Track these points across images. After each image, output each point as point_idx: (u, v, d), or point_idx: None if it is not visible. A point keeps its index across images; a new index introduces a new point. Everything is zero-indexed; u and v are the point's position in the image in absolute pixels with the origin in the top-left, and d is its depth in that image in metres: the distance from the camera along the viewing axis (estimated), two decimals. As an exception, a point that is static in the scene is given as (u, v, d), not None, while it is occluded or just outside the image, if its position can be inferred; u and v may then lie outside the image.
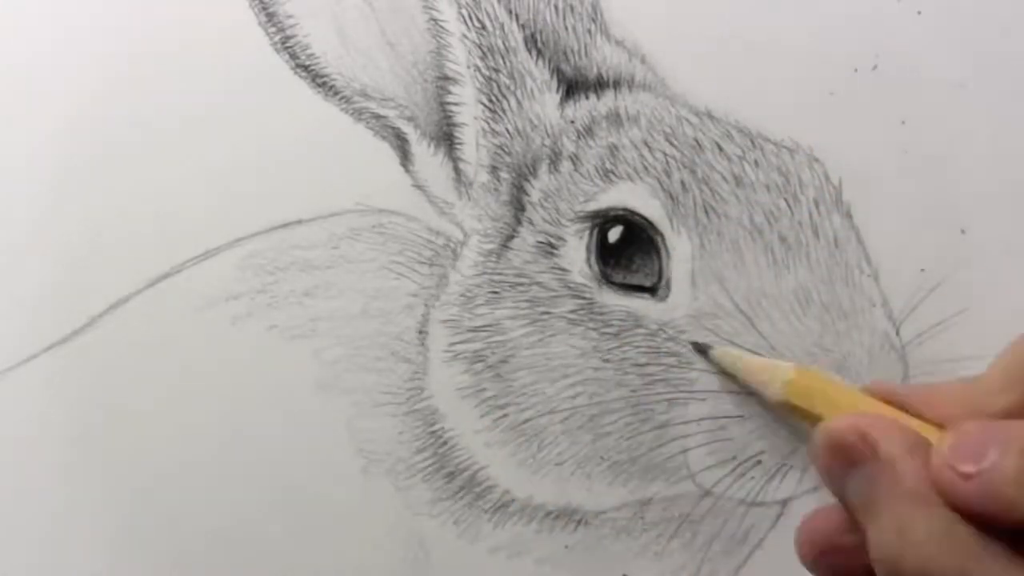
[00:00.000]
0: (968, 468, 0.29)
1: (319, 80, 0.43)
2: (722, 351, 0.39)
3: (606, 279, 0.41)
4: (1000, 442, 0.29)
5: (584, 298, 0.41)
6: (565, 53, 0.43)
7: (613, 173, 0.41)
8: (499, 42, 0.43)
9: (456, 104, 0.43)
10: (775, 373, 0.37)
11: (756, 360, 0.39)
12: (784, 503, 0.40)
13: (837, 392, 0.36)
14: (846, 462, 0.33)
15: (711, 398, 0.40)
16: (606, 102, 0.43)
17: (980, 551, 0.28)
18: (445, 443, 0.42)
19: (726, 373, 0.40)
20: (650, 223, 0.41)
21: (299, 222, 0.43)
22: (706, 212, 0.41)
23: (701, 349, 0.40)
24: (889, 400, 0.34)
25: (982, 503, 0.29)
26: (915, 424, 0.33)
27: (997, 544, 0.28)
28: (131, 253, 0.43)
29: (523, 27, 0.43)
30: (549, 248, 0.42)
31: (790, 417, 0.38)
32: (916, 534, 0.29)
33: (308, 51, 0.43)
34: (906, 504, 0.30)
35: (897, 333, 0.41)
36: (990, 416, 0.31)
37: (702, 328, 0.40)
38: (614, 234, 0.41)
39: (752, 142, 0.42)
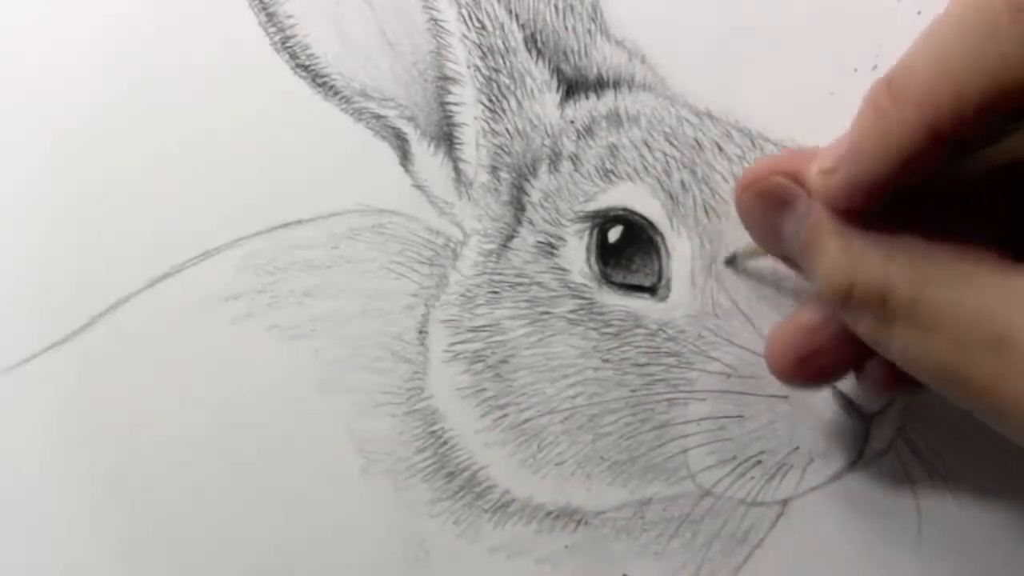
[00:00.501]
0: (828, 164, 0.30)
1: (319, 80, 0.43)
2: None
3: (606, 279, 0.41)
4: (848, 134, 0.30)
5: (584, 298, 0.41)
6: (565, 53, 0.43)
7: (613, 173, 0.41)
8: (499, 42, 0.43)
9: (456, 104, 0.43)
10: None
11: None
12: (784, 503, 0.40)
13: None
14: (777, 205, 0.33)
15: (711, 398, 0.40)
16: (606, 102, 0.43)
17: (930, 252, 0.29)
18: (445, 443, 0.42)
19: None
20: (650, 223, 0.41)
21: (299, 222, 0.43)
22: (706, 212, 0.41)
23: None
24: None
25: (846, 184, 0.30)
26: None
27: (948, 243, 0.29)
28: (131, 253, 0.43)
29: (523, 27, 0.43)
30: (549, 248, 0.42)
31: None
32: (857, 245, 0.30)
33: (308, 51, 0.43)
34: (842, 224, 0.31)
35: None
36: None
37: (702, 328, 0.40)
38: (614, 234, 0.41)
39: (752, 142, 0.42)
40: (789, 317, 0.36)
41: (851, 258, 0.30)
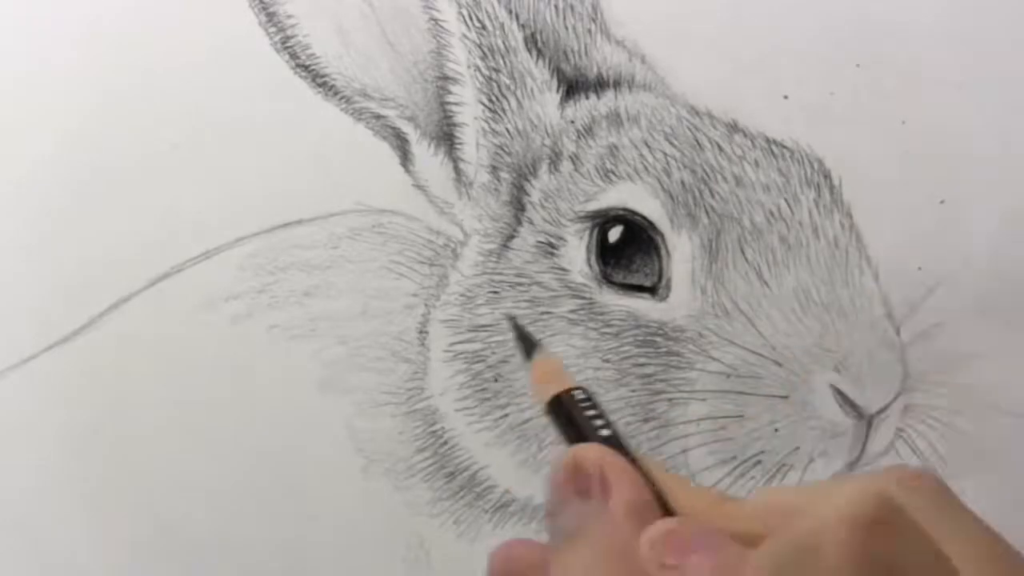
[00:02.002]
0: (672, 559, 0.29)
1: (319, 80, 0.43)
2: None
3: (606, 279, 0.41)
4: (708, 550, 0.29)
5: (584, 298, 0.41)
6: (565, 53, 0.43)
7: (613, 173, 0.41)
8: (499, 42, 0.43)
9: (456, 104, 0.43)
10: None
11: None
12: (784, 503, 0.40)
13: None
14: (578, 491, 0.32)
15: (711, 398, 0.40)
16: (606, 102, 0.43)
17: None
18: (445, 443, 0.42)
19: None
20: (650, 223, 0.41)
21: (299, 222, 0.43)
22: (706, 212, 0.41)
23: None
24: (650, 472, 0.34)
25: None
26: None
27: None
28: (132, 253, 0.43)
29: (523, 27, 0.43)
30: (549, 248, 0.42)
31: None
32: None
33: (308, 51, 0.43)
34: (608, 556, 0.30)
35: (897, 333, 0.41)
36: (728, 532, 0.31)
37: (702, 328, 0.40)
38: (614, 234, 0.41)
39: (752, 142, 0.42)
40: (524, 541, 0.36)
41: None
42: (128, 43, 0.45)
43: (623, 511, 0.31)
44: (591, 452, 0.33)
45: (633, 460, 0.31)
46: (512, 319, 0.39)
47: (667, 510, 0.30)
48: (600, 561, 0.30)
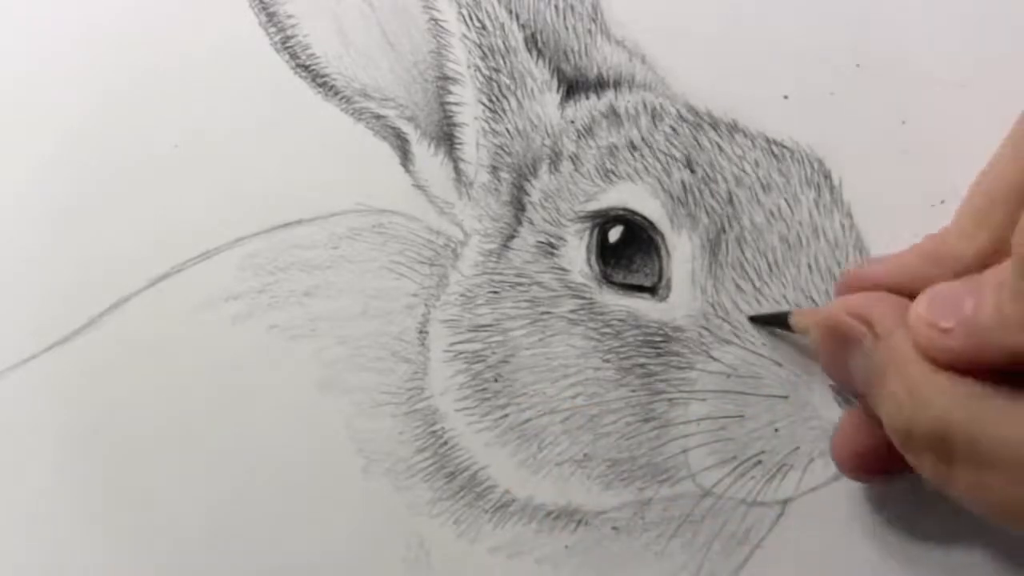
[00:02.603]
0: (949, 322, 0.29)
1: (319, 80, 0.43)
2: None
3: (606, 279, 0.41)
4: (973, 290, 0.29)
5: (584, 298, 0.41)
6: (565, 53, 0.43)
7: (613, 173, 0.41)
8: (499, 42, 0.43)
9: (456, 104, 0.43)
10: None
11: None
12: (784, 503, 0.40)
13: None
14: (845, 343, 0.33)
15: (711, 398, 0.40)
16: (606, 102, 0.43)
17: (989, 394, 0.29)
18: (445, 443, 0.42)
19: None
20: (650, 223, 0.41)
21: (299, 222, 0.43)
22: (706, 212, 0.41)
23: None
24: (865, 286, 0.35)
25: (967, 350, 0.29)
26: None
27: (1005, 386, 0.29)
28: (131, 253, 0.43)
29: (523, 27, 0.43)
30: (549, 248, 0.42)
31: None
32: (924, 390, 0.30)
33: (308, 51, 0.43)
34: (911, 364, 0.31)
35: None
36: (966, 266, 0.32)
37: (702, 328, 0.40)
38: (614, 234, 0.41)
39: (752, 142, 0.42)
40: (844, 419, 0.38)
41: (914, 402, 0.31)
42: (128, 43, 0.45)
43: (896, 324, 0.32)
44: (837, 305, 0.34)
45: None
46: (752, 318, 0.40)
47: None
48: (914, 375, 0.31)
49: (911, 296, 0.32)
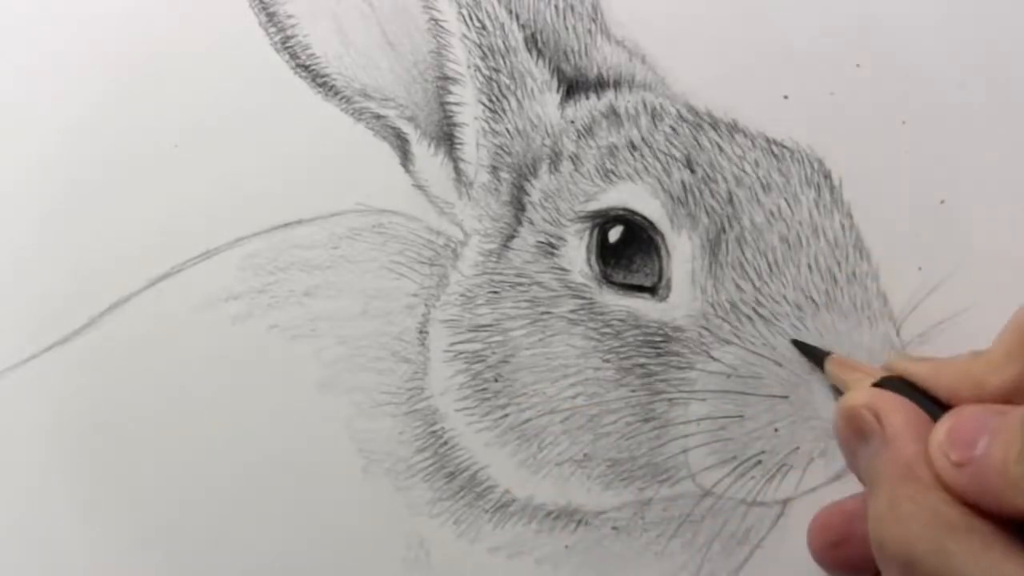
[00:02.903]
0: (959, 456, 0.30)
1: (319, 80, 0.43)
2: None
3: (606, 279, 0.41)
4: (991, 430, 0.29)
5: (584, 298, 0.41)
6: (565, 53, 0.43)
7: (613, 173, 0.41)
8: (499, 42, 0.43)
9: (456, 104, 0.43)
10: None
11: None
12: (784, 503, 0.40)
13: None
14: (858, 434, 0.34)
15: (711, 398, 0.40)
16: (606, 102, 0.43)
17: (963, 533, 0.29)
18: (445, 443, 0.42)
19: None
20: (650, 223, 0.41)
21: (299, 222, 0.43)
22: (706, 212, 0.41)
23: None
24: (910, 378, 0.35)
25: (972, 491, 0.29)
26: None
27: (984, 527, 0.29)
28: (131, 253, 0.43)
29: (523, 27, 0.43)
30: (549, 248, 0.42)
31: None
32: (903, 509, 0.30)
33: (308, 51, 0.43)
34: (899, 479, 0.31)
35: (897, 333, 0.41)
36: (990, 393, 0.32)
37: (702, 328, 0.40)
38: (614, 234, 0.41)
39: (752, 142, 0.42)
40: (837, 501, 0.38)
41: (892, 517, 0.31)
42: (128, 43, 0.45)
43: (898, 433, 0.32)
44: (858, 396, 0.35)
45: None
46: (795, 342, 0.40)
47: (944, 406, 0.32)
48: (899, 492, 0.31)
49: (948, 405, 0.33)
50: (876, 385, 0.36)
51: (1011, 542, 0.29)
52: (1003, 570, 0.28)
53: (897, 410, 0.33)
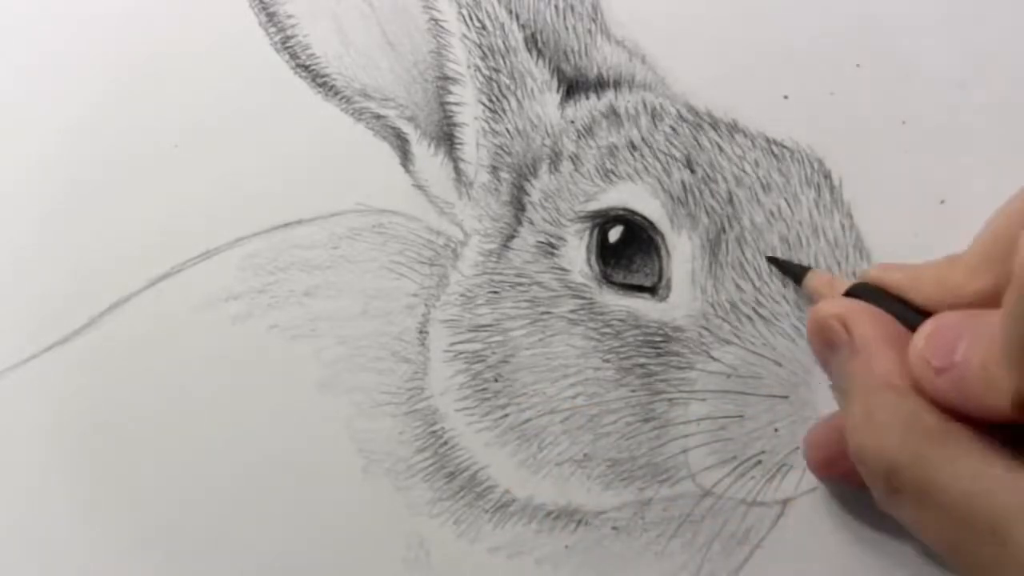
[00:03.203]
0: (940, 362, 0.30)
1: (319, 80, 0.43)
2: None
3: (606, 279, 0.41)
4: (970, 334, 0.29)
5: (584, 298, 0.41)
6: (565, 53, 0.43)
7: (613, 173, 0.41)
8: (499, 42, 0.43)
9: (456, 104, 0.43)
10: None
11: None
12: (784, 503, 0.40)
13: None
14: (827, 344, 0.34)
15: (711, 398, 0.40)
16: (606, 102, 0.43)
17: (940, 438, 0.29)
18: (445, 443, 0.42)
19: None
20: (650, 223, 0.41)
21: (299, 222, 0.43)
22: (706, 212, 0.41)
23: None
24: (884, 286, 0.35)
25: (952, 396, 0.29)
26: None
27: (963, 431, 0.29)
28: (131, 253, 0.43)
29: (523, 27, 0.43)
30: (549, 248, 0.42)
31: None
32: (880, 417, 0.30)
33: (308, 51, 0.43)
34: (872, 389, 0.31)
35: (897, 333, 0.41)
36: (967, 298, 0.32)
37: (702, 328, 0.40)
38: (614, 234, 0.41)
39: (752, 142, 0.42)
40: (829, 417, 0.38)
41: (870, 429, 0.31)
42: (128, 43, 0.45)
43: (869, 343, 0.32)
44: (828, 306, 0.35)
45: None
46: (770, 258, 0.40)
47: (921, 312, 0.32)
48: (873, 401, 0.31)
49: (925, 311, 0.33)
50: (847, 294, 0.36)
51: (991, 445, 0.29)
52: (983, 472, 0.28)
53: (867, 320, 0.33)
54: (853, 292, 0.36)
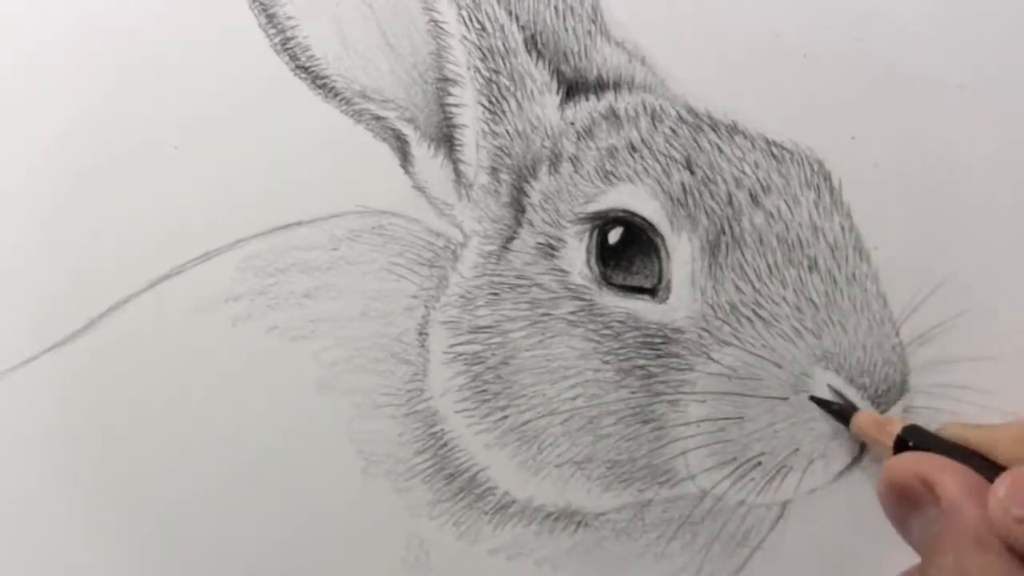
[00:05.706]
0: (1022, 511, 0.30)
1: (319, 82, 0.43)
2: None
3: (606, 280, 0.41)
4: None
5: (584, 299, 0.41)
6: (565, 55, 0.43)
7: (613, 175, 0.41)
8: (499, 44, 0.42)
9: (456, 106, 0.43)
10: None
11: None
12: (783, 505, 0.40)
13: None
14: (908, 504, 0.33)
15: (711, 400, 0.40)
16: (606, 103, 0.43)
17: None
18: (445, 444, 0.42)
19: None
20: (650, 225, 0.41)
21: (299, 224, 0.43)
22: (706, 214, 0.41)
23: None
24: (959, 443, 0.35)
25: None
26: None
27: None
28: (131, 254, 0.43)
29: (523, 29, 0.43)
30: (549, 250, 0.42)
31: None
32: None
33: (308, 53, 0.43)
34: (966, 547, 0.31)
35: (897, 333, 0.41)
36: None
37: (702, 330, 0.40)
38: (614, 236, 0.41)
39: (752, 143, 0.42)
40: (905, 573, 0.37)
41: None
42: (128, 44, 0.44)
43: (959, 501, 0.32)
44: (902, 463, 0.34)
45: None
46: (813, 398, 0.40)
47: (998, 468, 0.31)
48: (968, 561, 0.31)
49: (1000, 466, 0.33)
50: (900, 437, 0.36)
51: None
52: None
53: (950, 476, 0.33)
54: (907, 435, 0.36)
